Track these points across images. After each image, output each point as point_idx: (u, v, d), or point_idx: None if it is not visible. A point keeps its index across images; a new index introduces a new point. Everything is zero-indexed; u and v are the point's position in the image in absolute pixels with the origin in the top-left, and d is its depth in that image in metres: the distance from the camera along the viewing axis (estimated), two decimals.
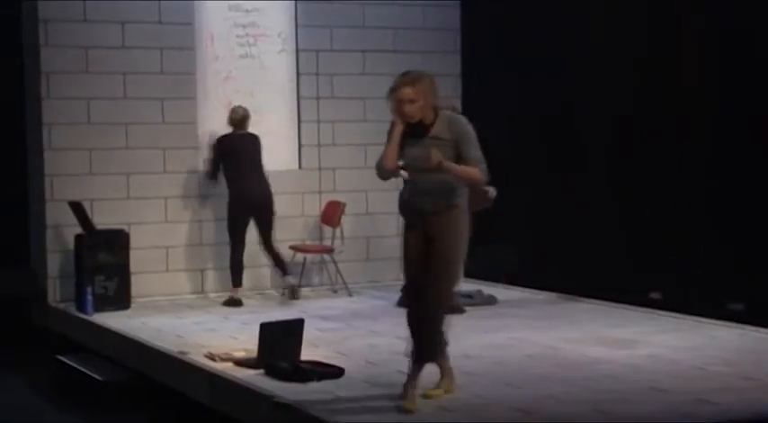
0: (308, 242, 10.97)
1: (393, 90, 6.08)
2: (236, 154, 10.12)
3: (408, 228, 6.21)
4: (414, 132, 6.10)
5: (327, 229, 10.89)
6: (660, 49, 9.46)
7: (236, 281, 10.18)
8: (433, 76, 6.23)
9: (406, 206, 6.24)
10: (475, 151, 6.09)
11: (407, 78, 6.09)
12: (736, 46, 8.77)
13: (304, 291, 10.51)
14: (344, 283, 10.64)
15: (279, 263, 10.30)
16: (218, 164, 10.23)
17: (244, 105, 10.36)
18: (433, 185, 6.06)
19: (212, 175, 10.33)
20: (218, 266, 10.70)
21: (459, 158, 6.06)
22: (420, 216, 6.13)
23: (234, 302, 10.01)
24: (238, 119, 10.22)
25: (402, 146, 6.13)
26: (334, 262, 10.71)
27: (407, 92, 6.03)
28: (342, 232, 10.75)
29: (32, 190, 10.59)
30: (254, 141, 10.26)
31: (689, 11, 9.25)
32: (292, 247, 10.57)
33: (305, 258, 10.63)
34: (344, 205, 10.70)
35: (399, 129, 6.09)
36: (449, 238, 6.07)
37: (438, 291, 6.06)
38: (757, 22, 8.60)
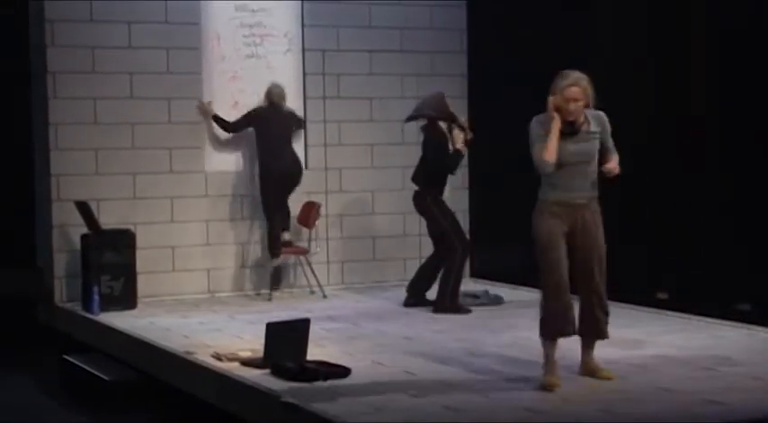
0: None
1: (561, 89, 6.39)
2: (269, 128, 10.30)
3: (550, 218, 6.52)
4: (565, 129, 6.43)
5: (326, 230, 10.88)
6: (661, 48, 9.46)
7: (275, 252, 10.29)
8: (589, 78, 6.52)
9: (554, 198, 6.53)
10: (612, 142, 6.62)
11: (573, 79, 6.42)
12: (737, 46, 8.76)
13: (284, 292, 10.56)
14: (319, 285, 10.52)
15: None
16: (242, 128, 10.42)
17: (279, 84, 10.54)
18: (585, 178, 6.51)
19: (227, 127, 10.46)
20: (224, 266, 10.70)
21: (603, 147, 6.55)
22: (570, 207, 6.50)
23: (277, 273, 10.20)
24: (277, 96, 10.44)
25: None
26: (309, 264, 10.62)
27: (576, 91, 6.41)
28: (317, 233, 10.62)
29: (39, 190, 10.60)
30: (288, 117, 10.48)
31: (691, 11, 9.24)
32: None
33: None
34: (320, 206, 10.59)
35: (559, 125, 6.41)
36: (598, 227, 6.58)
37: (603, 276, 6.58)
38: (757, 22, 8.59)
